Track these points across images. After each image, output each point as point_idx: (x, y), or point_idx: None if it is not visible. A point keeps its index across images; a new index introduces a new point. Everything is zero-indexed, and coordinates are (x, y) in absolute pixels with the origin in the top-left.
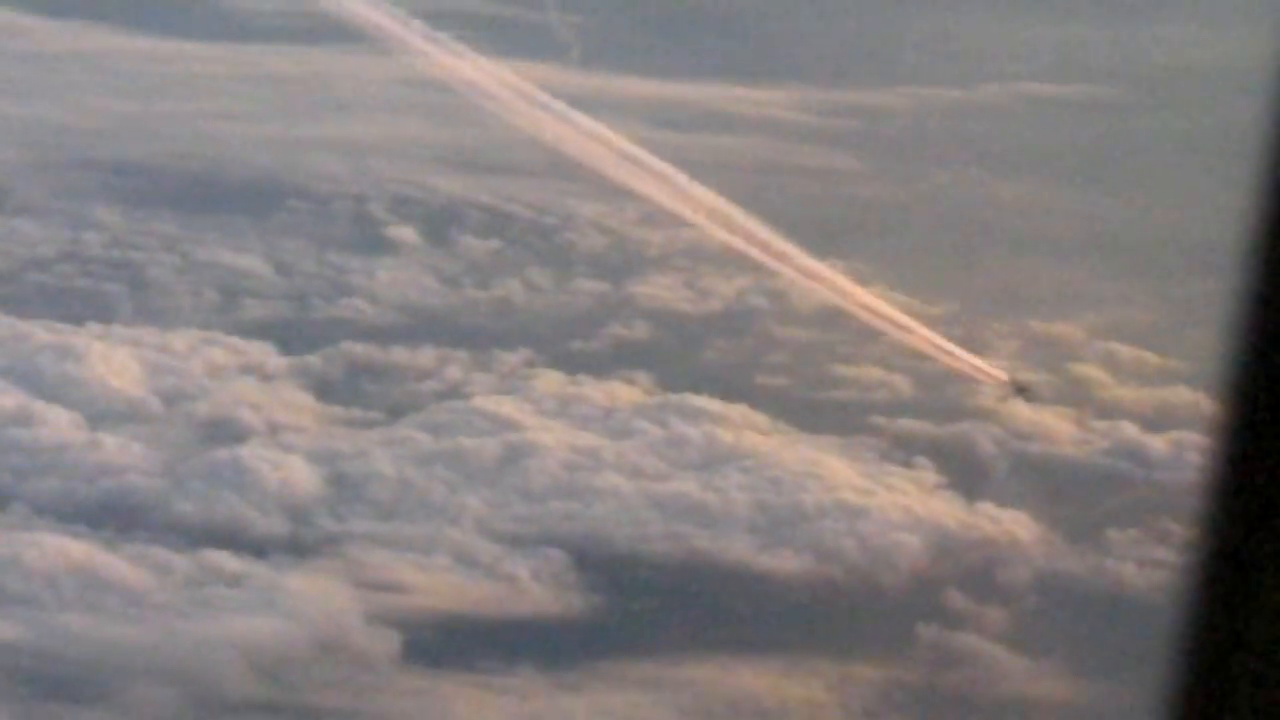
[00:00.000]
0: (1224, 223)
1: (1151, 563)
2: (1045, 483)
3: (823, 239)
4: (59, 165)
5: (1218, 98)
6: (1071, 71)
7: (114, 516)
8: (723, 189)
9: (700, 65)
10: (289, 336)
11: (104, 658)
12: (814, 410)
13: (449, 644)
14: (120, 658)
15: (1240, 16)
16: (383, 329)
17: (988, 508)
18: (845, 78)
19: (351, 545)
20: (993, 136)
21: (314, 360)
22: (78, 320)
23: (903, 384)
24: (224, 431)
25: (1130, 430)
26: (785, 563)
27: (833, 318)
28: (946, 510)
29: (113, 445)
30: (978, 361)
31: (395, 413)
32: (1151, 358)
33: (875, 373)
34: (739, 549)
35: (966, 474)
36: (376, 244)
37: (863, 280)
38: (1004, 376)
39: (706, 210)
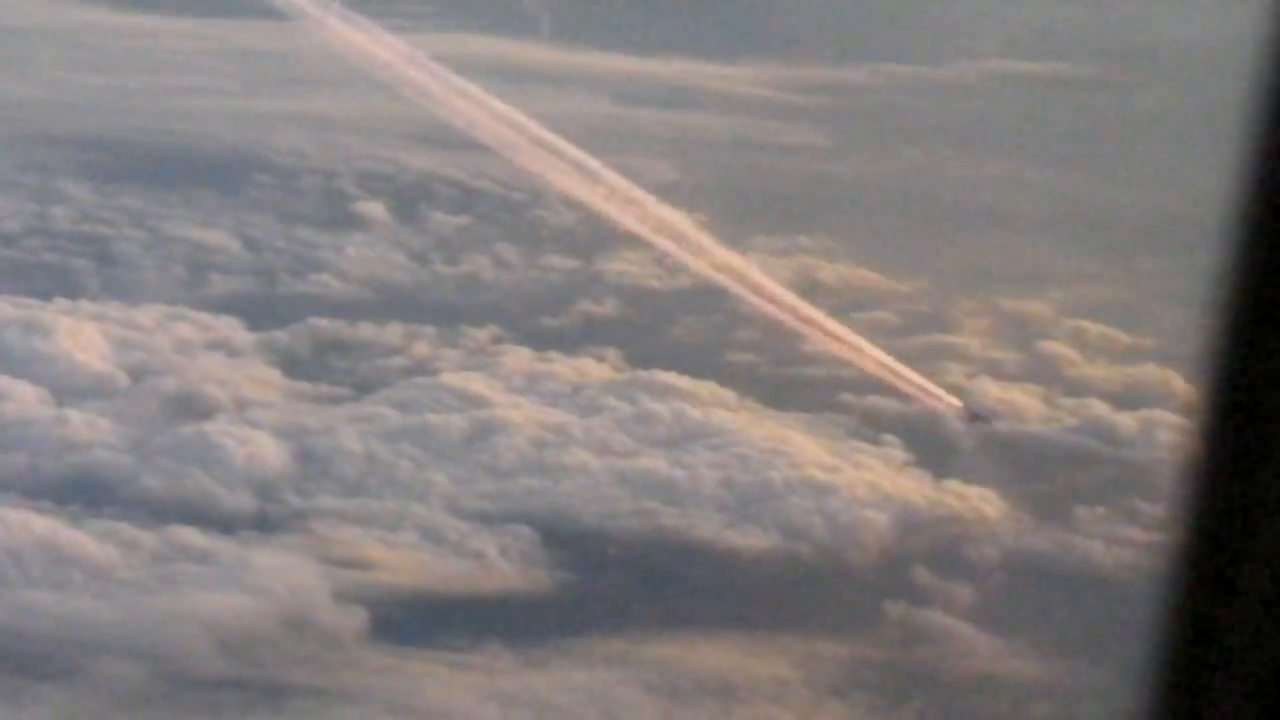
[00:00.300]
0: (1196, 201)
1: (1120, 540)
2: (1013, 460)
3: (791, 215)
4: (26, 140)
5: (1192, 76)
6: (1044, 49)
7: (80, 492)
8: (690, 165)
9: (669, 41)
10: (256, 312)
11: (69, 634)
12: (782, 387)
13: (416, 621)
14: (85, 634)
15: None
16: (350, 305)
17: (955, 485)
18: (815, 54)
19: (318, 521)
20: (963, 113)
21: (281, 336)
22: (44, 295)
23: (870, 361)
24: (191, 407)
25: (1099, 408)
26: (753, 540)
27: (801, 295)
28: (914, 488)
29: (79, 421)
30: (931, 387)
31: (363, 389)
32: (1121, 335)
33: (843, 349)
34: (707, 526)
35: (934, 451)
36: (345, 219)
37: (831, 257)
38: (958, 403)
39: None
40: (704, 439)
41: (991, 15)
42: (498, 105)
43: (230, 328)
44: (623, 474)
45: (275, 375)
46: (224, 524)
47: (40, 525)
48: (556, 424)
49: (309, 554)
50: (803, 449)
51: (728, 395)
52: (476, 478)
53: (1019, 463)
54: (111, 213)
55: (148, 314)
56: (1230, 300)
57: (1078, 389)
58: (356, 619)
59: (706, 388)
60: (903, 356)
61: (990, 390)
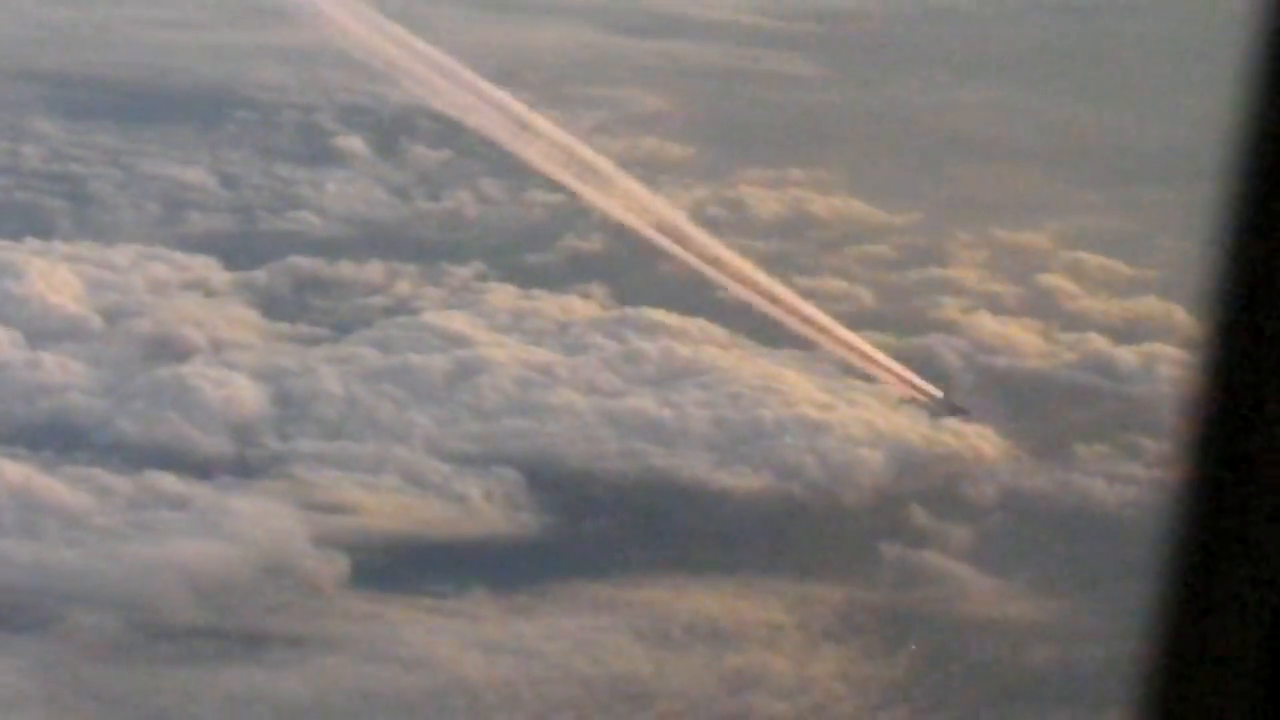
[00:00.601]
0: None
1: (1121, 479)
2: (1011, 397)
3: (782, 147)
4: None
5: None
6: None
7: (53, 437)
8: (677, 96)
9: None
10: (234, 251)
11: (42, 583)
12: (774, 323)
13: (398, 566)
14: (59, 583)
15: None
16: (330, 242)
17: (952, 423)
18: None
19: (298, 465)
20: (959, 39)
21: (260, 275)
22: (16, 235)
23: (865, 295)
24: (167, 349)
25: (1099, 342)
26: (744, 480)
27: (793, 229)
28: (910, 425)
29: (52, 364)
30: (911, 377)
31: (343, 329)
32: (1122, 267)
33: (837, 284)
34: (696, 466)
35: (930, 388)
36: (324, 155)
37: (824, 189)
38: (937, 393)
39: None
40: (693, 377)
41: None
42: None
43: (207, 267)
44: (610, 414)
45: (253, 316)
46: (201, 469)
47: (12, 472)
48: (542, 363)
49: (288, 499)
50: (795, 386)
51: (717, 332)
52: (460, 419)
53: (1017, 399)
54: (84, 150)
55: (122, 254)
56: (1235, 229)
57: (1077, 323)
58: (337, 565)
59: (695, 324)
60: (898, 291)
61: (987, 325)
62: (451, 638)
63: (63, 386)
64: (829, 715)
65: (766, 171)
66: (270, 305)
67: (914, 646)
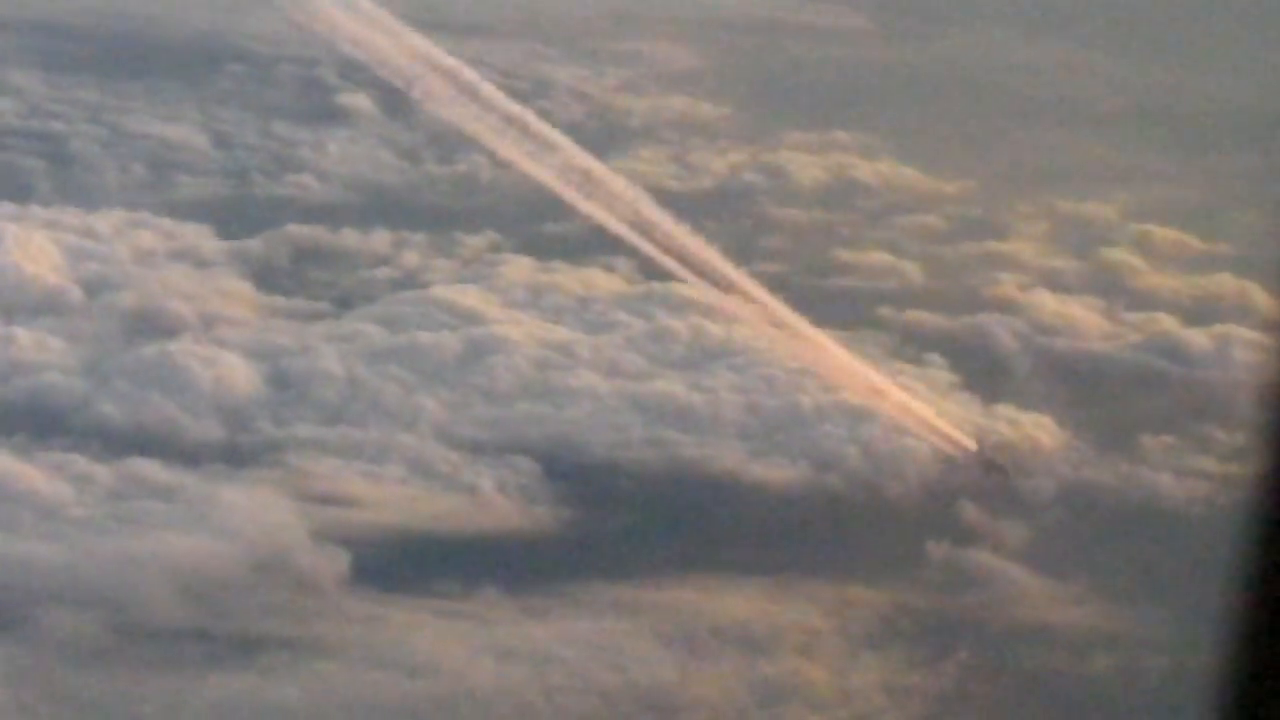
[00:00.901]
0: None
1: (1190, 473)
2: (1071, 382)
3: (825, 108)
4: None
5: None
6: None
7: (28, 420)
8: (713, 51)
9: None
10: (227, 218)
11: (15, 580)
12: (814, 300)
13: (402, 564)
14: (33, 580)
15: None
16: (332, 209)
17: (1007, 410)
18: None
19: (294, 453)
20: None
21: (254, 245)
22: None
23: (913, 271)
24: (153, 325)
25: (1168, 323)
26: (780, 472)
27: (836, 197)
28: (961, 413)
29: (28, 340)
30: (945, 427)
31: (345, 304)
32: (1194, 242)
33: (883, 258)
34: (728, 457)
35: (984, 372)
36: (326, 113)
37: (870, 154)
38: (972, 446)
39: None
40: (726, 358)
41: None
42: None
43: (198, 235)
44: (635, 398)
45: (247, 289)
46: (189, 456)
47: None
48: (561, 342)
49: (284, 489)
50: (836, 370)
51: (753, 310)
52: (471, 403)
53: (1078, 385)
54: (65, 106)
55: (105, 220)
56: None
57: (1144, 302)
58: (336, 562)
59: (730, 301)
60: (949, 266)
61: (1047, 303)
62: (460, 642)
63: (39, 365)
64: None
65: (808, 134)
66: (266, 277)
67: (962, 655)
